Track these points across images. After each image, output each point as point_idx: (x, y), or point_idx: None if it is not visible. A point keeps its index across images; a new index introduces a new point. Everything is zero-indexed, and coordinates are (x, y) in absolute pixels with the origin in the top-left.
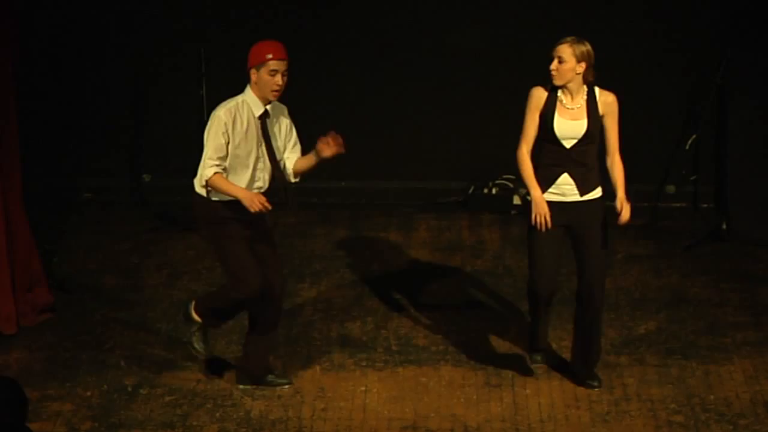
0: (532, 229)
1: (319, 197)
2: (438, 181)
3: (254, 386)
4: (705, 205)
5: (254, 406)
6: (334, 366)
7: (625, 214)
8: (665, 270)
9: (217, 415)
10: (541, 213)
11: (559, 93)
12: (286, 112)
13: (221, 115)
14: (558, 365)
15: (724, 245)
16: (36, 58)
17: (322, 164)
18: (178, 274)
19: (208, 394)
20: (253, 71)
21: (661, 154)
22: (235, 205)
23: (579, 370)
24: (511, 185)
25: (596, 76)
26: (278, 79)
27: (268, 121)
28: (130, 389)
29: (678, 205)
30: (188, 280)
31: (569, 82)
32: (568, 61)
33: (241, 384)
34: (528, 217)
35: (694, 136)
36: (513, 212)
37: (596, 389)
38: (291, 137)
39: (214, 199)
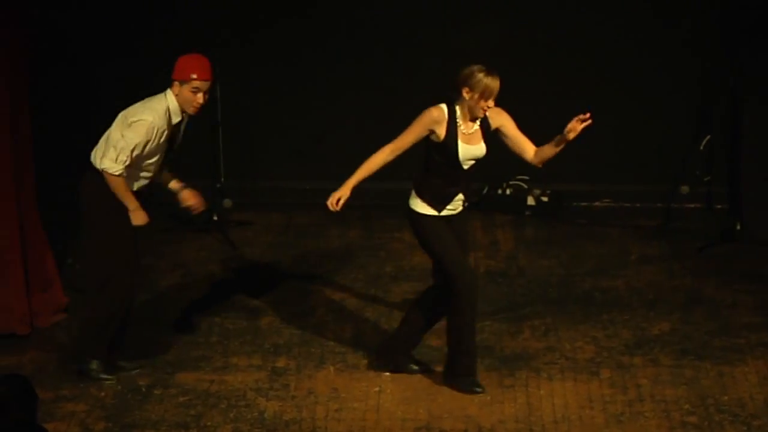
0: (429, 237)
1: None
2: None
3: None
4: (719, 206)
5: (268, 407)
6: (348, 367)
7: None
8: (679, 271)
9: (231, 415)
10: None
11: (457, 117)
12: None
13: (159, 124)
14: (572, 366)
15: (737, 246)
16: (48, 59)
17: (335, 166)
18: (191, 274)
19: (222, 394)
20: (176, 83)
21: (675, 155)
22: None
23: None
24: (525, 186)
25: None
26: (200, 98)
27: (178, 129)
28: (143, 389)
29: (692, 206)
30: (201, 280)
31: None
32: None
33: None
34: (418, 231)
35: (707, 137)
36: (527, 213)
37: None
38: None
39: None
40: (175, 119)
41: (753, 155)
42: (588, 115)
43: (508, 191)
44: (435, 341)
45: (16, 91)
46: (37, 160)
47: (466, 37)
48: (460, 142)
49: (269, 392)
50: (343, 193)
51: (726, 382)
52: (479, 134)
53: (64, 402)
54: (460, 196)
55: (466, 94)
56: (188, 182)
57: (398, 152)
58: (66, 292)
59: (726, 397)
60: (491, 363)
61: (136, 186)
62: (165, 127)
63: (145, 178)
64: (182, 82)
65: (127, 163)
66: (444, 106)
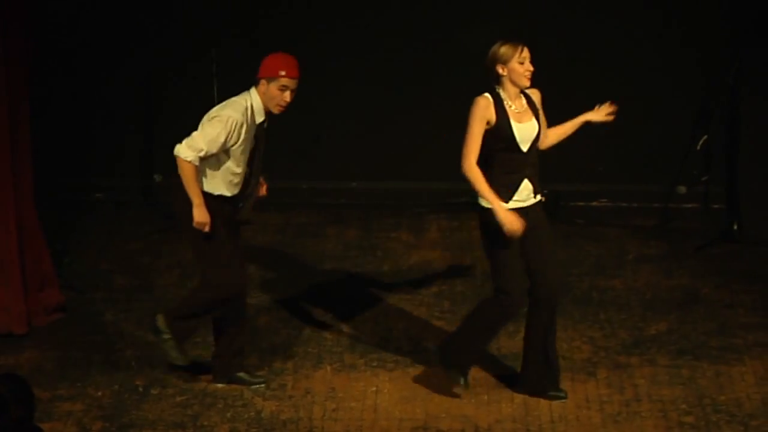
0: (495, 241)
1: (330, 198)
2: (449, 182)
3: (228, 384)
4: (716, 206)
5: (265, 406)
6: (345, 366)
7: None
8: (676, 271)
9: (228, 415)
10: (513, 225)
11: (504, 99)
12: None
13: (237, 118)
14: (569, 366)
15: (735, 246)
16: (48, 59)
17: (333, 166)
18: (189, 274)
19: (219, 394)
20: (263, 81)
21: (672, 154)
22: (220, 199)
23: (539, 381)
24: None
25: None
26: (287, 96)
27: (264, 128)
28: (141, 389)
29: (689, 205)
30: (199, 280)
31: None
32: None
33: (218, 383)
34: (488, 231)
35: (705, 137)
36: None
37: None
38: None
39: (205, 190)
40: (259, 118)
41: (750, 155)
42: (615, 108)
43: None
44: (433, 342)
45: (15, 91)
46: (35, 159)
47: (466, 37)
48: (513, 122)
49: (266, 392)
50: (514, 217)
51: (723, 382)
52: (529, 113)
53: (61, 402)
54: (528, 185)
55: (502, 71)
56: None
57: (477, 151)
58: (63, 292)
59: (723, 397)
60: (488, 363)
61: (229, 192)
62: (246, 123)
63: (236, 184)
64: (270, 80)
65: (202, 153)
66: (487, 94)
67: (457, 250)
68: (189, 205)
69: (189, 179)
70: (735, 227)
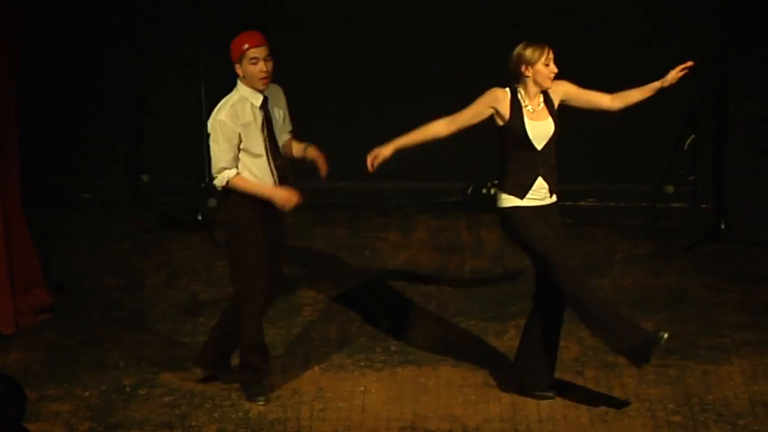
0: (520, 225)
1: (317, 197)
2: (437, 182)
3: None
4: (704, 206)
5: (253, 407)
6: (333, 366)
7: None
8: (664, 270)
9: (216, 415)
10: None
11: (521, 97)
12: (281, 93)
13: (225, 119)
14: (557, 366)
15: (723, 245)
16: (35, 59)
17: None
18: (177, 274)
19: (207, 394)
20: (237, 66)
21: (660, 154)
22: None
23: (537, 380)
24: None
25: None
26: (261, 66)
27: (269, 108)
28: (128, 389)
29: (677, 205)
30: (187, 280)
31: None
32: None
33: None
34: (513, 231)
35: (692, 136)
36: None
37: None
38: (285, 118)
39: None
40: (256, 101)
41: (738, 155)
42: (691, 63)
43: (492, 190)
44: (421, 341)
45: (3, 90)
46: (23, 159)
47: (455, 37)
48: (526, 119)
49: None
50: (385, 152)
51: (711, 382)
52: (545, 111)
53: (49, 402)
54: (543, 184)
55: (526, 72)
56: (174, 181)
57: (455, 126)
58: (51, 292)
59: (711, 397)
60: (476, 362)
61: (272, 177)
62: (247, 114)
63: (273, 166)
64: (240, 59)
65: (229, 165)
66: (507, 88)
67: (445, 250)
68: (232, 218)
69: (249, 188)
70: (723, 227)
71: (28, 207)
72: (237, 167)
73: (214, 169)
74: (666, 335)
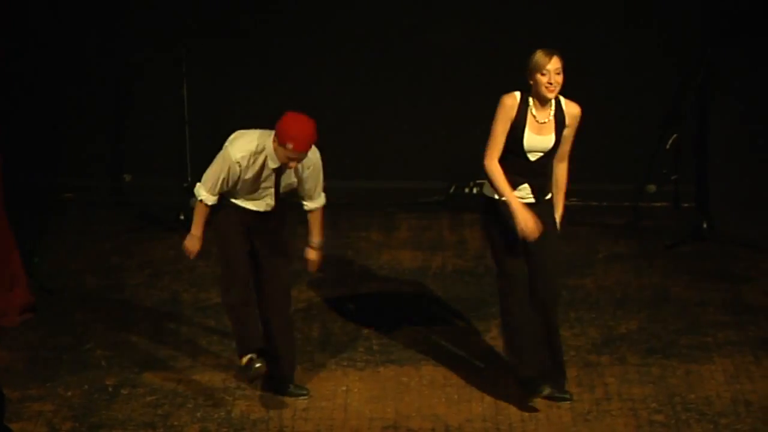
0: (493, 231)
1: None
2: (419, 181)
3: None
4: (686, 205)
5: (235, 406)
6: (315, 366)
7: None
8: (646, 269)
9: (198, 414)
10: (528, 224)
11: (531, 105)
12: (315, 158)
13: (239, 160)
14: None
15: (705, 245)
16: (17, 58)
17: None
18: (159, 274)
19: (189, 393)
20: (275, 138)
21: (642, 153)
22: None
23: (540, 383)
24: None
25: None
26: (292, 165)
27: (282, 174)
28: (111, 389)
29: (659, 204)
30: (169, 280)
31: None
32: (562, 73)
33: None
34: (485, 221)
35: (674, 136)
36: None
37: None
38: (315, 186)
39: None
40: (273, 164)
41: (720, 154)
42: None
43: (475, 190)
44: (403, 341)
45: None
46: (5, 159)
47: (439, 36)
48: (527, 130)
49: (236, 391)
50: (530, 215)
51: (693, 381)
52: (551, 126)
53: (31, 402)
54: (526, 186)
55: (530, 80)
56: (156, 181)
57: (498, 153)
58: (33, 292)
59: (693, 396)
60: (458, 361)
61: (256, 207)
62: (257, 168)
63: (269, 204)
64: (282, 143)
65: (211, 192)
66: (518, 93)
67: (428, 249)
68: (217, 221)
69: (198, 215)
70: (705, 226)
71: (10, 207)
72: (215, 198)
73: (201, 182)
74: (546, 392)
